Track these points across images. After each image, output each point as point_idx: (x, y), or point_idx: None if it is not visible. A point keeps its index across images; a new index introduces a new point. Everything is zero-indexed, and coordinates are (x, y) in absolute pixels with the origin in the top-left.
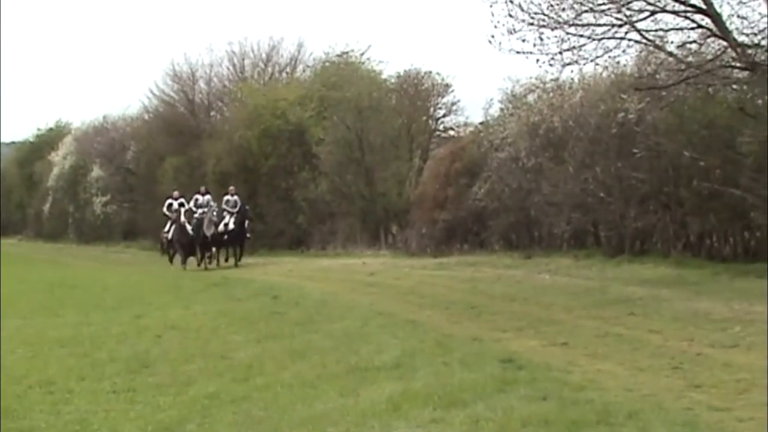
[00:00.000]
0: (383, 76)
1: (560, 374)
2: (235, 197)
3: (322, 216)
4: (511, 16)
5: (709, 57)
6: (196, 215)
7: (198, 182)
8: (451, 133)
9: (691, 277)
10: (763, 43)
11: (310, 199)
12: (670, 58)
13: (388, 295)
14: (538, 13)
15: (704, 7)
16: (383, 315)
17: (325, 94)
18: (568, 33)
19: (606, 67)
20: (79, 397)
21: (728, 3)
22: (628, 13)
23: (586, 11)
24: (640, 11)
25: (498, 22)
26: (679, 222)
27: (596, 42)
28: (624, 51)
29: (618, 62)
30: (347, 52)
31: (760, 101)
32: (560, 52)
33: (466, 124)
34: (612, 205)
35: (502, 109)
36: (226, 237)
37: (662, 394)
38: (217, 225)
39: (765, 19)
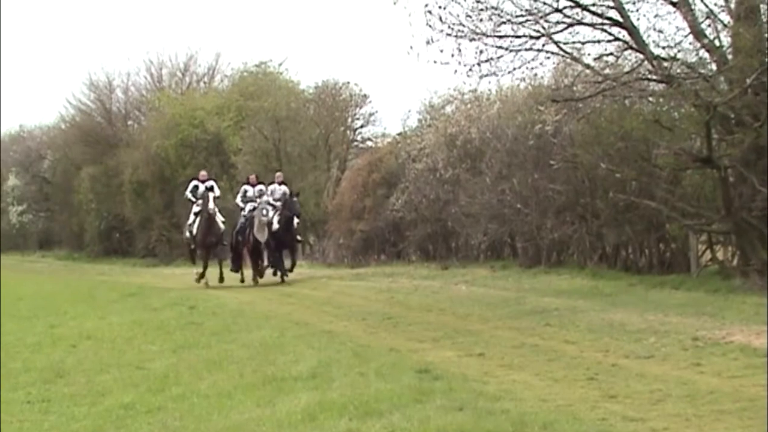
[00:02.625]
0: (301, 87)
1: (476, 385)
2: (283, 187)
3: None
4: (429, 26)
5: (626, 69)
6: (244, 213)
7: (114, 192)
8: (369, 143)
9: (607, 289)
10: (679, 56)
11: (227, 209)
12: (587, 71)
13: (305, 306)
14: (456, 24)
15: (621, 20)
16: (300, 325)
17: (242, 104)
18: (486, 44)
19: (523, 79)
20: None
21: (645, 16)
22: (545, 25)
23: (504, 23)
24: (558, 23)
25: (416, 32)
26: (595, 233)
27: (514, 53)
28: (541, 63)
29: (535, 74)
30: (265, 63)
31: (675, 114)
32: (478, 63)
33: (383, 135)
34: (529, 216)
35: (420, 120)
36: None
37: (577, 405)
38: (270, 226)
39: (681, 33)
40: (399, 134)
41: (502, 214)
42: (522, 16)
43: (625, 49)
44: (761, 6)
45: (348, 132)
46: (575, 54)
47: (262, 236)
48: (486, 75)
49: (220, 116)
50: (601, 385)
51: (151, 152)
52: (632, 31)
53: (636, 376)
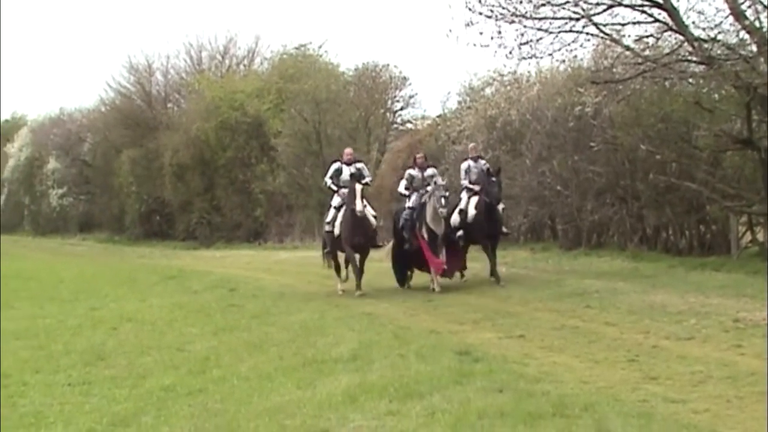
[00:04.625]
0: (341, 69)
1: (516, 366)
2: (483, 163)
3: (280, 208)
4: (469, 8)
5: (666, 51)
6: (409, 203)
7: (155, 175)
8: (409, 125)
9: (647, 270)
10: (720, 37)
11: (267, 192)
12: (627, 52)
13: (345, 288)
14: (496, 6)
15: (661, 1)
16: (340, 307)
17: (282, 87)
18: (525, 26)
19: (563, 61)
20: (34, 389)
21: None
22: (585, 6)
23: (543, 5)
24: (597, 5)
25: (455, 14)
26: (635, 215)
27: (554, 35)
28: (581, 45)
29: (575, 56)
30: (305, 45)
31: (716, 95)
32: (518, 46)
33: (423, 117)
34: (569, 198)
35: (459, 102)
36: (462, 233)
37: (618, 387)
38: (447, 218)
39: (721, 14)
40: (438, 116)
41: (542, 196)
42: None
43: (665, 31)
44: None
45: (388, 114)
46: (615, 35)
47: (438, 228)
48: (526, 57)
49: (260, 99)
50: (642, 366)
51: (191, 135)
52: (672, 12)
53: (677, 358)
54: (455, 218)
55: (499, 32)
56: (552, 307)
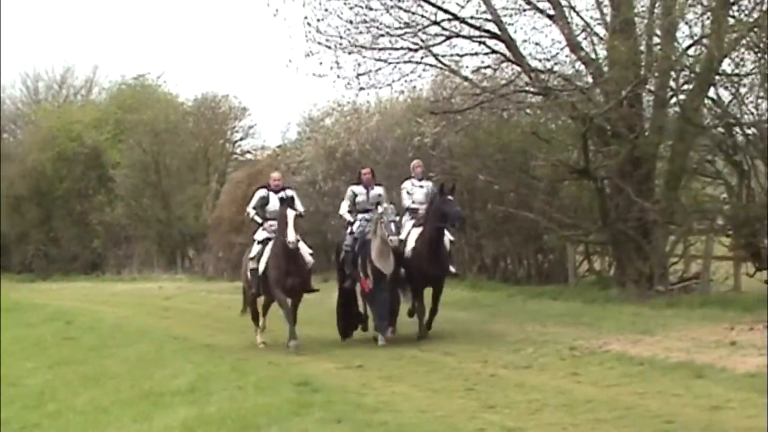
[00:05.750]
0: (180, 99)
1: (355, 396)
2: (427, 183)
3: (118, 240)
4: (308, 39)
5: (504, 82)
6: (354, 227)
7: None
8: (249, 156)
9: (486, 300)
10: (556, 68)
11: (105, 223)
12: (466, 83)
13: (184, 320)
14: (335, 36)
15: (499, 33)
16: (178, 339)
17: (121, 117)
18: (364, 57)
19: (402, 91)
20: None
21: (522, 29)
22: (424, 37)
23: (382, 35)
24: (436, 35)
25: (295, 45)
26: (474, 245)
27: (393, 66)
28: (420, 75)
29: (414, 86)
30: (143, 75)
31: (553, 126)
32: (357, 76)
33: (263, 148)
34: None
35: (299, 133)
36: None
37: (456, 416)
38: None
39: (557, 45)
40: (278, 147)
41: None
42: (400, 28)
43: (503, 62)
44: (636, 19)
45: (227, 145)
46: (453, 66)
47: (386, 266)
48: (365, 87)
49: (97, 129)
50: (480, 395)
51: (27, 166)
52: (509, 43)
53: (514, 387)
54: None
55: (338, 63)
56: (390, 337)
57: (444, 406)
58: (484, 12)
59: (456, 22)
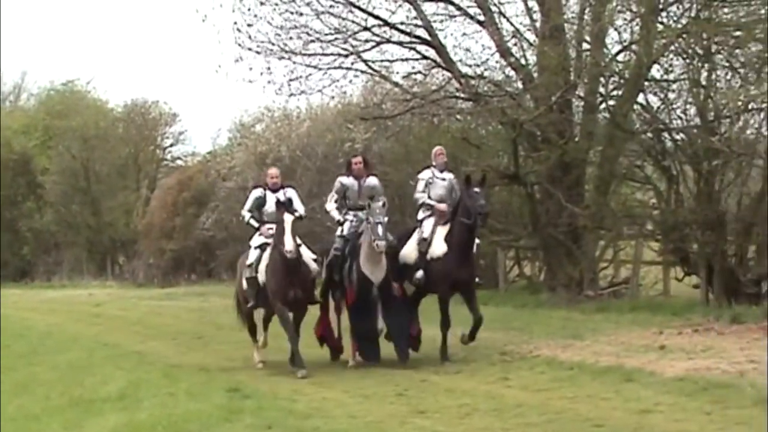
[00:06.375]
0: (110, 105)
1: (286, 403)
2: (449, 175)
3: (48, 247)
4: (238, 44)
5: (434, 87)
6: (345, 226)
7: None
8: (179, 162)
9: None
10: (486, 74)
11: (35, 230)
12: (396, 89)
13: (115, 326)
14: (265, 42)
15: (429, 38)
16: (109, 346)
17: (50, 123)
18: (295, 62)
19: (333, 97)
20: None
21: (452, 35)
22: (354, 43)
23: (313, 41)
24: (366, 41)
25: (225, 50)
26: None
27: (323, 72)
28: (351, 81)
29: (345, 92)
30: (72, 81)
31: (483, 131)
32: (288, 82)
33: (194, 154)
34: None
35: (230, 139)
36: (421, 275)
37: (387, 421)
38: (395, 254)
39: (488, 51)
40: (209, 153)
41: (312, 232)
42: (331, 34)
43: (433, 68)
44: (565, 25)
45: (158, 151)
46: (384, 72)
47: (376, 273)
48: (295, 93)
49: (26, 135)
50: (411, 400)
51: None
52: (440, 49)
53: (445, 392)
54: (409, 252)
55: (269, 68)
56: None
57: (375, 411)
58: (415, 18)
59: (386, 28)
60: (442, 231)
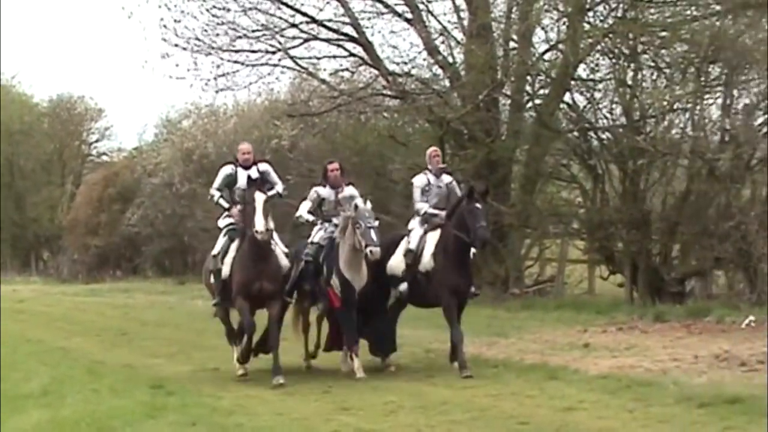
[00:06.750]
0: (35, 100)
1: (210, 400)
2: (447, 179)
3: None
4: (164, 40)
5: (361, 85)
6: (318, 234)
7: None
8: (105, 158)
9: None
10: (414, 72)
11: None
12: (323, 86)
13: (39, 322)
14: (192, 38)
15: (356, 35)
16: (33, 342)
17: None
18: (222, 59)
19: (260, 94)
20: None
21: (380, 32)
22: (282, 40)
23: (240, 37)
24: (294, 38)
25: (151, 46)
26: None
27: (250, 68)
28: (278, 78)
29: (272, 89)
30: None
31: (410, 129)
32: (214, 78)
33: (119, 150)
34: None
35: (156, 135)
36: (405, 287)
37: (312, 418)
38: (383, 260)
39: (415, 49)
40: (135, 149)
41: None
42: (258, 30)
43: (361, 65)
44: (493, 24)
45: (83, 146)
46: (311, 69)
47: (358, 279)
48: (222, 89)
49: None
50: (336, 397)
51: None
52: (367, 46)
53: (370, 389)
54: (397, 263)
55: (196, 64)
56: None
57: (300, 408)
58: (342, 15)
59: (314, 25)
60: (432, 239)
